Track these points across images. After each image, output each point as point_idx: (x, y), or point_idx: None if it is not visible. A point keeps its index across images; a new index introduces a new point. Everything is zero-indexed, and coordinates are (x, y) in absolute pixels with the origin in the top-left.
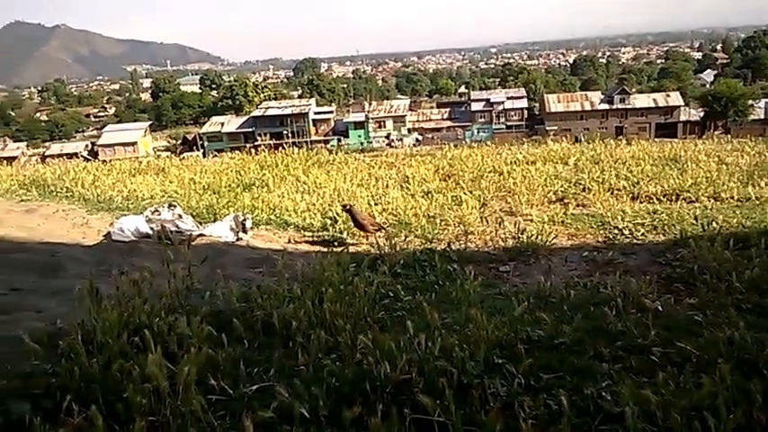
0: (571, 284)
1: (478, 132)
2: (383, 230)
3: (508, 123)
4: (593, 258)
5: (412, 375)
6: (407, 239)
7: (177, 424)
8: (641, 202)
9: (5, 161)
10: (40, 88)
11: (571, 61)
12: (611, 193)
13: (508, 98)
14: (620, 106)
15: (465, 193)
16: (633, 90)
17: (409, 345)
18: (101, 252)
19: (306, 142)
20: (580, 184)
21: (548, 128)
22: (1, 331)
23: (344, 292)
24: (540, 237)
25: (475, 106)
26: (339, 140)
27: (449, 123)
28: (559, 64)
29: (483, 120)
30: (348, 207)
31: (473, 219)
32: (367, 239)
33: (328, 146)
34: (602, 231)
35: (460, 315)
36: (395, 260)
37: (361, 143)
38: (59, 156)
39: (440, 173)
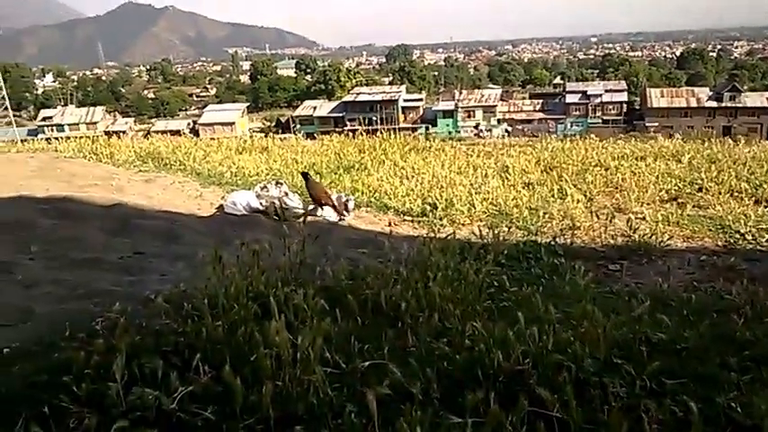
0: (690, 288)
1: (572, 126)
2: (333, 206)
3: (605, 118)
4: (713, 263)
5: (527, 367)
6: (510, 230)
7: (297, 392)
8: (765, 207)
9: (115, 134)
10: (148, 67)
11: (678, 54)
12: (731, 195)
13: (606, 91)
14: (729, 104)
15: (569, 187)
16: (745, 87)
17: (521, 336)
18: (215, 223)
19: (394, 129)
20: (696, 183)
21: (647, 124)
22: (131, 291)
23: (452, 278)
24: (653, 236)
25: (570, 98)
26: (427, 128)
27: (541, 115)
28: (665, 56)
29: (578, 113)
30: (306, 173)
31: (579, 213)
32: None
33: (416, 134)
34: (721, 235)
35: (574, 311)
36: (498, 250)
37: (449, 132)
38: (164, 132)
39: (541, 164)
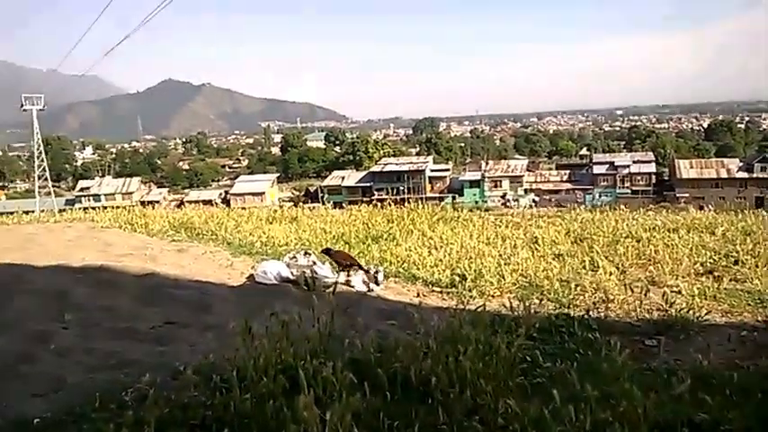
0: (733, 366)
1: (600, 196)
2: (358, 267)
3: (633, 188)
4: (754, 339)
5: None
6: (541, 303)
7: None
8: None
9: (149, 204)
10: (184, 139)
11: (705, 126)
12: None
13: (634, 162)
14: (761, 175)
15: (601, 259)
16: None
17: (556, 415)
18: (246, 293)
19: (421, 198)
20: (731, 256)
21: (678, 194)
22: (161, 361)
23: (483, 352)
24: (690, 311)
25: (597, 169)
26: (453, 198)
27: (568, 186)
28: (692, 128)
29: (605, 183)
30: (327, 250)
31: (612, 286)
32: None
33: (443, 203)
34: (761, 310)
35: (612, 389)
36: (530, 323)
37: (476, 202)
38: (196, 202)
39: (571, 235)
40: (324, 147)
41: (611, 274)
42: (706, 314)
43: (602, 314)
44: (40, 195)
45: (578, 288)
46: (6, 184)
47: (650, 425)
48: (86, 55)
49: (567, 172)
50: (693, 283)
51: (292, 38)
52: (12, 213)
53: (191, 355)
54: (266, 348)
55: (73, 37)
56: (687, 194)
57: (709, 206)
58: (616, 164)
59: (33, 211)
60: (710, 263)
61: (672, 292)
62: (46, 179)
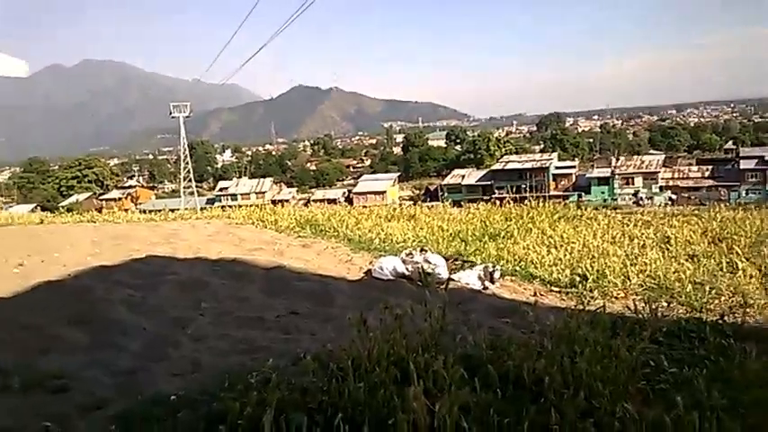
0: None
1: (747, 194)
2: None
3: None
4: None
5: None
6: (670, 306)
7: None
8: None
9: (280, 203)
10: (312, 142)
11: None
12: None
13: None
14: None
15: (741, 260)
16: None
17: (678, 423)
18: (363, 287)
19: (544, 197)
20: None
21: None
22: (285, 348)
23: (602, 354)
24: None
25: (744, 164)
26: (580, 196)
27: (710, 182)
28: None
29: (754, 180)
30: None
31: (752, 289)
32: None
33: (567, 201)
34: None
35: (744, 398)
36: (656, 327)
37: (605, 200)
38: (322, 200)
39: (708, 235)
40: (445, 145)
41: (751, 276)
42: None
43: (739, 319)
44: (185, 195)
45: (713, 291)
46: (156, 185)
47: None
48: (226, 65)
49: (710, 167)
50: None
51: (413, 36)
52: (159, 211)
53: (311, 344)
54: (379, 340)
55: (214, 48)
56: None
57: None
58: (767, 158)
59: (178, 209)
60: None
61: None
62: (190, 180)
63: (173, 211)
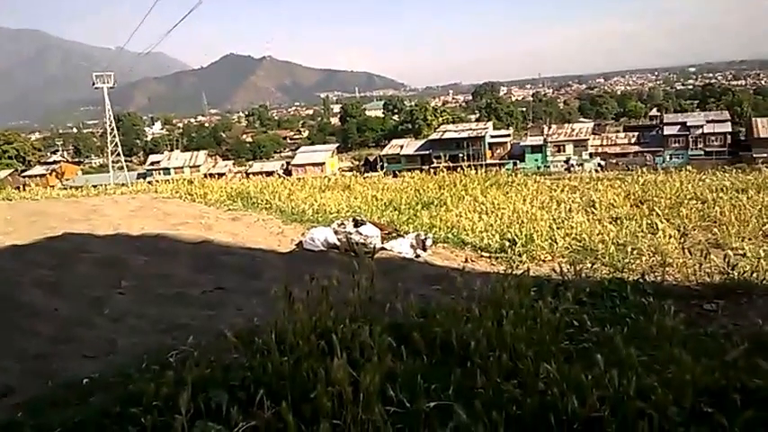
0: None
1: (671, 158)
2: (396, 232)
3: (707, 149)
4: None
5: (604, 414)
6: (593, 267)
7: (358, 431)
8: None
9: (216, 177)
10: (246, 113)
11: None
12: None
13: (708, 121)
14: None
15: (661, 221)
16: None
17: (599, 380)
18: (293, 259)
19: (481, 165)
20: None
21: (755, 155)
22: (208, 325)
23: (526, 316)
24: (754, 274)
25: (668, 130)
26: (515, 164)
27: (636, 148)
28: None
29: (677, 145)
30: (356, 219)
31: (671, 249)
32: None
33: (503, 169)
34: None
35: (660, 354)
36: (580, 287)
37: (538, 167)
38: (260, 173)
39: (631, 198)
40: (382, 116)
41: (671, 237)
42: None
43: (659, 278)
44: (114, 170)
45: (635, 252)
46: (82, 160)
47: (698, 391)
48: (152, 33)
49: (636, 134)
50: (760, 245)
51: (348, 7)
52: (80, 187)
53: (237, 319)
54: (304, 313)
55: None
56: (766, 154)
57: None
58: (688, 124)
59: (108, 185)
60: None
61: (736, 254)
62: (118, 154)
63: (95, 186)
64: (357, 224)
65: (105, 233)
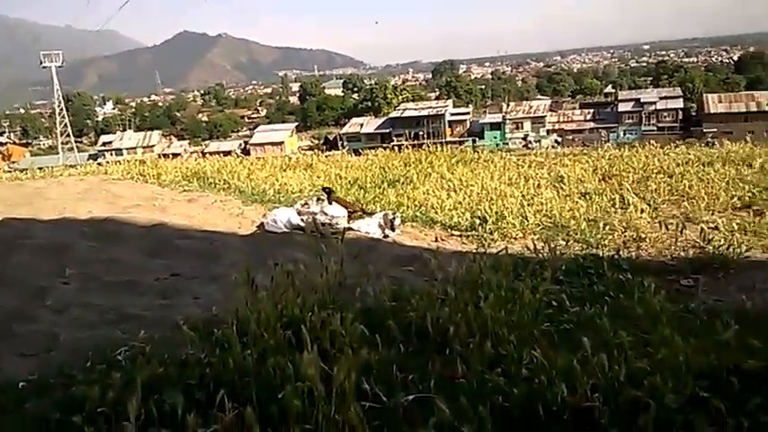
0: None
1: (625, 134)
2: (362, 212)
3: (660, 125)
4: None
5: (597, 404)
6: (567, 244)
7: None
8: None
9: (171, 157)
10: (202, 92)
11: (735, 59)
12: None
13: (661, 98)
14: None
15: (631, 196)
16: None
17: (587, 366)
18: (255, 242)
19: (441, 143)
20: None
21: (705, 130)
22: (162, 315)
23: (506, 298)
24: (730, 247)
25: (622, 107)
26: (474, 141)
27: (592, 125)
28: (722, 62)
29: (631, 121)
30: (327, 189)
31: (644, 223)
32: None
33: (463, 146)
34: None
35: (651, 335)
36: (556, 266)
37: (497, 144)
38: (217, 153)
39: (598, 173)
40: (342, 94)
41: (642, 211)
42: (746, 251)
43: (634, 254)
44: (64, 151)
45: (607, 227)
46: (30, 142)
47: (694, 373)
48: (101, 9)
49: (591, 111)
50: (731, 218)
51: None
52: (25, 170)
53: (193, 309)
54: (267, 301)
55: None
56: (715, 129)
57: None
58: (642, 100)
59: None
60: (749, 197)
61: (708, 228)
62: (68, 135)
63: (41, 169)
64: (321, 200)
65: (49, 218)
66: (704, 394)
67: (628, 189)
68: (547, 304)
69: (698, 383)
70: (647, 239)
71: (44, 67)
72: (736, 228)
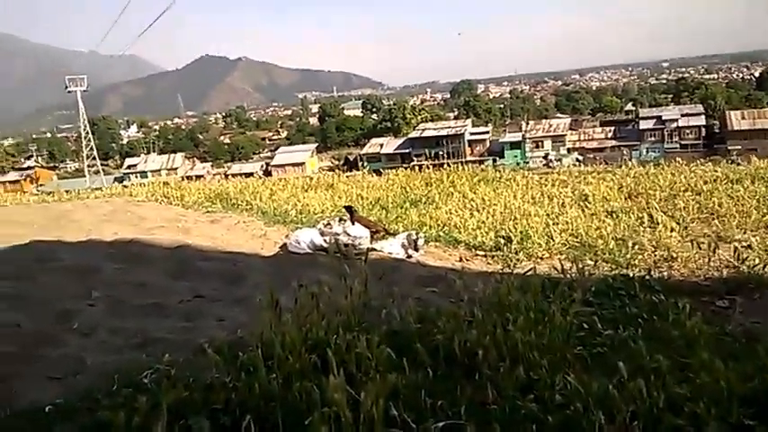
0: None
1: (648, 152)
2: (385, 231)
3: (682, 142)
4: None
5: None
6: (596, 264)
7: None
8: None
9: (194, 179)
10: (223, 114)
11: (756, 75)
12: None
13: (683, 115)
14: None
15: (659, 214)
16: None
17: (624, 391)
18: (278, 263)
19: (461, 163)
20: None
21: (729, 147)
22: (186, 338)
23: (535, 320)
24: (765, 267)
25: (644, 124)
26: (494, 161)
27: (613, 143)
28: (743, 78)
29: (653, 139)
30: (350, 207)
31: (674, 243)
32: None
33: (482, 166)
34: None
35: (692, 360)
36: (585, 287)
37: (518, 163)
38: (239, 175)
39: (624, 191)
40: (361, 115)
41: (672, 230)
42: None
43: (666, 274)
44: (90, 174)
45: (636, 247)
46: (57, 165)
47: (737, 400)
48: (125, 35)
49: (612, 129)
50: (765, 236)
51: (322, 5)
52: (51, 192)
53: (218, 331)
54: (292, 324)
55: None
56: (739, 147)
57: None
58: (663, 118)
59: (77, 190)
60: None
61: (742, 247)
62: (94, 158)
63: (68, 191)
64: (343, 220)
65: (75, 239)
66: (749, 422)
67: (655, 207)
68: (578, 327)
69: (742, 410)
70: (679, 259)
71: (69, 92)
72: None
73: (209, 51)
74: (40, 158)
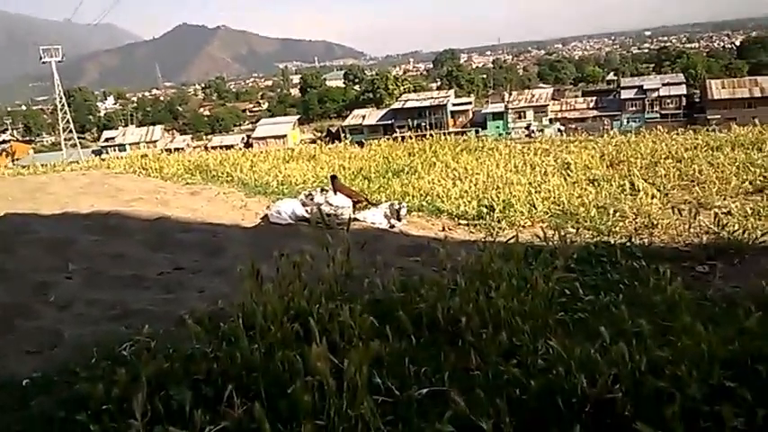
0: None
1: (629, 122)
2: (367, 201)
3: (663, 112)
4: None
5: (619, 395)
6: (577, 231)
7: (343, 428)
8: None
9: (174, 152)
10: (203, 85)
11: (737, 44)
12: None
13: (664, 84)
14: None
15: (640, 182)
16: None
17: (606, 355)
18: (259, 234)
19: (443, 133)
20: None
21: (709, 116)
22: (166, 310)
23: (518, 287)
24: (744, 233)
25: (625, 94)
26: (477, 131)
27: (595, 113)
28: (723, 47)
29: (634, 108)
30: (333, 176)
31: (655, 209)
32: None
33: (466, 136)
34: None
35: (674, 324)
36: (567, 254)
37: (500, 134)
38: (219, 147)
39: (605, 159)
40: (343, 86)
41: (653, 197)
42: (762, 236)
43: (646, 240)
44: (67, 148)
45: (617, 214)
46: (33, 138)
47: (718, 362)
48: (100, 3)
49: (594, 99)
50: (744, 202)
51: None
52: (26, 166)
53: (198, 303)
54: (274, 293)
55: None
56: (718, 116)
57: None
58: (645, 87)
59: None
60: (761, 180)
61: (722, 213)
62: (71, 131)
63: (44, 165)
64: (325, 191)
65: (51, 212)
66: (730, 384)
67: (636, 175)
68: (560, 293)
69: (723, 373)
70: (660, 226)
71: (44, 63)
72: (749, 212)
73: (187, 20)
74: (15, 132)
